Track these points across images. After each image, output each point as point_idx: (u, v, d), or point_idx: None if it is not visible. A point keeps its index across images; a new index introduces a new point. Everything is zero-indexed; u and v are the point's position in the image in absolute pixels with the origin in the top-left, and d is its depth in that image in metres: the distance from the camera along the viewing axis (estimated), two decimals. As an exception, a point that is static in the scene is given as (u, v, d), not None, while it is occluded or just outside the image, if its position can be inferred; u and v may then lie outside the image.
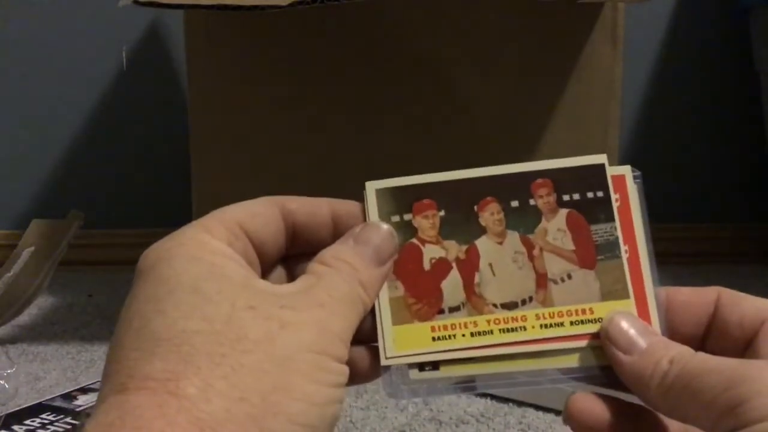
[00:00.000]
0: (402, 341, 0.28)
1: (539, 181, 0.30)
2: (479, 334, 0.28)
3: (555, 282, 0.29)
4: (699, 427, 0.26)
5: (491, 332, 0.28)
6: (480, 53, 0.80)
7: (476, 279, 0.28)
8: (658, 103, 1.20)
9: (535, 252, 0.29)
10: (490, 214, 0.29)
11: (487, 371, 0.28)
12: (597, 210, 0.29)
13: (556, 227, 0.29)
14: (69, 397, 0.61)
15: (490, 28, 0.80)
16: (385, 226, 0.29)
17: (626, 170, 0.30)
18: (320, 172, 0.82)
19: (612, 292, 0.29)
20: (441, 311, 0.28)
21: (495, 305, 0.28)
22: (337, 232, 0.29)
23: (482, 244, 0.29)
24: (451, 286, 0.28)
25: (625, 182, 0.30)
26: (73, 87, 1.13)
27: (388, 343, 0.28)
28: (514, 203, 0.29)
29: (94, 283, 1.04)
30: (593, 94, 0.81)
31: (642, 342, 0.27)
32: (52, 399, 0.61)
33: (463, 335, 0.27)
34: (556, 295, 0.28)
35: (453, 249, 0.28)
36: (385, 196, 0.29)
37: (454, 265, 0.28)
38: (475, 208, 0.29)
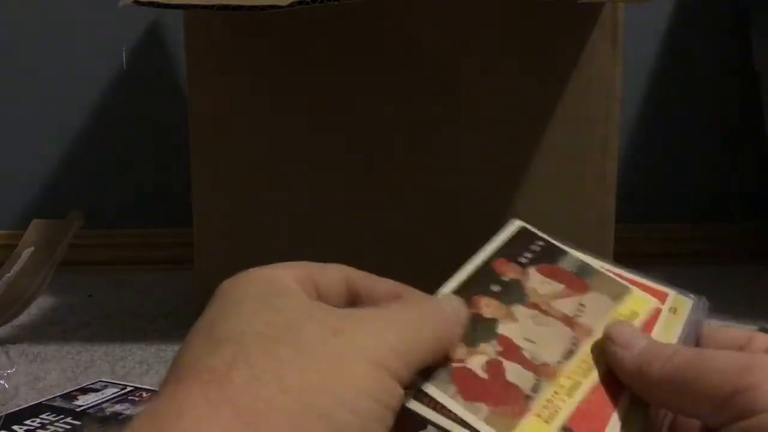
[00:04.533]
0: None
1: (497, 263, 0.33)
2: (573, 388, 0.28)
3: (578, 316, 0.30)
4: (697, 415, 0.26)
5: (579, 382, 0.28)
6: (480, 53, 0.80)
7: (527, 355, 0.29)
8: (658, 103, 1.19)
9: (544, 307, 0.30)
10: (486, 306, 0.30)
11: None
12: (550, 254, 0.33)
13: (539, 282, 0.32)
14: (69, 397, 0.61)
15: (491, 28, 0.80)
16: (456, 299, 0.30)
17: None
18: (320, 172, 0.82)
19: (618, 293, 0.32)
20: (528, 397, 0.27)
21: (559, 362, 0.29)
22: None
23: (504, 329, 0.29)
24: (516, 373, 0.28)
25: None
26: (73, 87, 1.13)
27: None
28: (495, 288, 0.31)
29: (94, 283, 1.04)
30: (593, 94, 0.81)
31: (642, 340, 0.28)
32: (52, 399, 0.61)
33: (563, 399, 0.28)
34: (589, 322, 0.30)
35: (488, 348, 0.29)
36: None
37: (501, 359, 0.28)
38: (471, 309, 0.30)
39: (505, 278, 0.32)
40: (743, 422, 0.23)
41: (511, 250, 0.33)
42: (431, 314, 0.28)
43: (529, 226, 0.35)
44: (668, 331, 0.31)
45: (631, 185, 1.15)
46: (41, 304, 0.92)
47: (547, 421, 0.26)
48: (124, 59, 1.13)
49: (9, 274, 0.82)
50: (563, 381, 0.28)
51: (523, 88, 0.81)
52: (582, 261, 0.33)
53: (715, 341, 0.30)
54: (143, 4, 0.67)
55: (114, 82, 1.14)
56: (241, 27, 0.79)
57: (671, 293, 0.33)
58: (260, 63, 0.80)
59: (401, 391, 0.25)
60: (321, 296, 0.29)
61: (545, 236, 0.34)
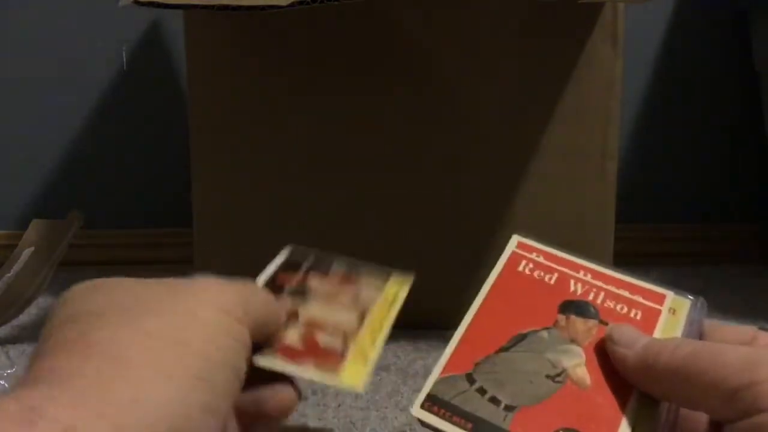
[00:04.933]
0: None
1: (279, 277, 0.41)
2: (374, 339, 0.36)
3: (356, 298, 0.38)
4: (704, 407, 0.26)
5: (377, 336, 0.37)
6: (480, 53, 0.80)
7: (329, 327, 0.36)
8: (658, 103, 1.19)
9: (329, 297, 0.39)
10: (285, 303, 0.39)
11: None
12: (321, 262, 0.42)
13: (318, 282, 0.40)
14: (69, 397, 0.61)
15: (490, 28, 0.80)
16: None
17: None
18: (320, 172, 0.82)
19: (382, 278, 0.42)
20: (341, 353, 0.35)
21: (356, 326, 0.36)
22: None
23: (305, 315, 0.37)
24: (325, 340, 0.35)
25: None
26: (73, 87, 1.13)
27: None
28: (288, 291, 0.40)
29: (94, 283, 1.04)
30: (593, 94, 0.81)
31: (643, 338, 0.29)
32: (52, 399, 0.61)
33: (369, 347, 0.35)
34: (366, 300, 0.39)
35: (299, 329, 0.36)
36: None
37: (311, 332, 0.36)
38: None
39: (292, 286, 0.37)
40: (751, 419, 0.23)
41: (289, 265, 0.41)
42: (260, 290, 0.35)
43: (300, 247, 0.41)
44: (669, 332, 0.31)
45: (631, 185, 1.15)
46: (41, 304, 0.92)
47: (363, 364, 0.32)
48: (124, 59, 1.13)
49: (9, 274, 0.82)
50: (364, 337, 0.34)
51: (523, 88, 0.81)
52: (349, 261, 0.40)
53: (719, 338, 0.30)
54: (143, 4, 0.67)
55: (114, 82, 1.14)
56: (241, 27, 0.79)
57: (669, 295, 0.33)
58: (260, 63, 0.80)
59: (246, 330, 0.30)
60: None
61: (315, 250, 0.41)
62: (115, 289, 0.30)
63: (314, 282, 0.38)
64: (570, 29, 0.80)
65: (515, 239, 0.35)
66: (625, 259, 1.03)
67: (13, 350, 0.77)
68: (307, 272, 0.39)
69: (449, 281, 0.77)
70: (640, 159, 1.19)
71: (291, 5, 0.67)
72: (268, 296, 0.35)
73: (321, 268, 0.39)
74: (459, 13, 0.79)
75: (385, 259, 0.83)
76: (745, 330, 0.29)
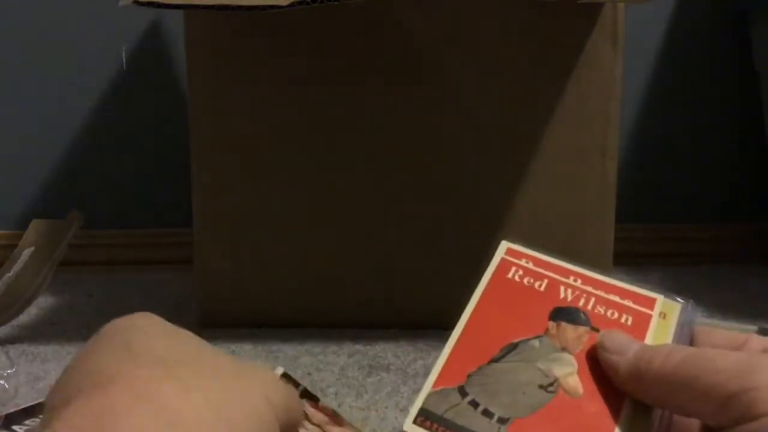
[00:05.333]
0: None
1: None
2: None
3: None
4: (697, 414, 0.26)
5: None
6: (480, 53, 0.80)
7: None
8: (658, 103, 1.19)
9: (325, 427, 0.38)
10: None
11: None
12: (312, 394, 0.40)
13: (312, 412, 0.38)
14: (69, 397, 0.61)
15: (490, 28, 0.80)
16: None
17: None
18: (320, 172, 0.82)
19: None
20: None
21: None
22: None
23: None
24: None
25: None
26: (73, 87, 1.13)
27: None
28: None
29: (94, 283, 1.04)
30: (593, 94, 0.81)
31: (634, 344, 0.29)
32: (52, 399, 0.61)
33: None
34: None
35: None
36: None
37: None
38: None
39: None
40: (745, 425, 0.23)
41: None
42: (296, 395, 0.34)
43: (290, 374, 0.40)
44: (660, 336, 0.31)
45: (631, 185, 1.15)
46: (41, 304, 0.92)
47: None
48: (124, 59, 1.13)
49: (9, 274, 0.82)
50: None
51: (523, 88, 0.81)
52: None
53: (711, 342, 0.30)
54: (143, 4, 0.67)
55: (114, 82, 1.14)
56: (241, 27, 0.79)
57: (659, 298, 0.33)
58: (260, 63, 0.80)
59: (278, 429, 0.28)
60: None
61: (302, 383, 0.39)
62: (158, 340, 0.28)
63: (310, 412, 0.37)
64: (570, 29, 0.80)
65: (504, 245, 0.35)
66: (625, 259, 1.03)
67: (13, 350, 0.77)
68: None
69: (449, 281, 0.77)
70: (640, 159, 1.19)
71: (291, 5, 0.66)
72: (302, 403, 0.34)
73: (314, 397, 0.37)
74: (459, 13, 0.79)
75: (385, 256, 0.83)
76: (736, 333, 0.29)
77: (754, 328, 0.53)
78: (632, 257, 1.09)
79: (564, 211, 0.83)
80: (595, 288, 0.33)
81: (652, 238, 1.19)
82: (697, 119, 1.20)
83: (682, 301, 0.33)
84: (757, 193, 1.21)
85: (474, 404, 0.28)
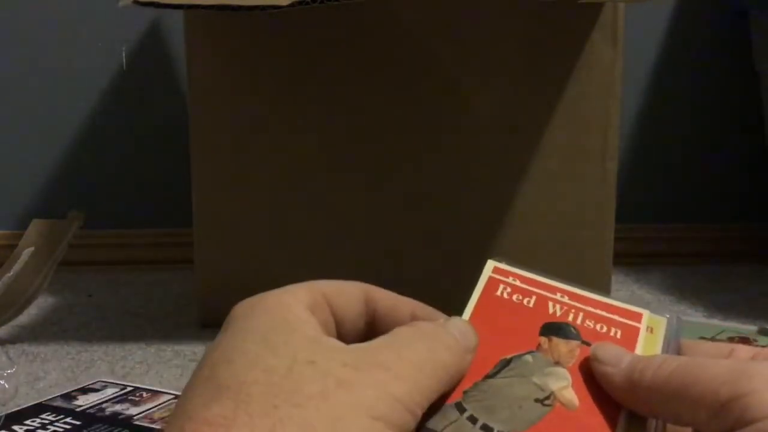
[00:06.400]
0: None
1: None
2: None
3: None
4: (692, 422, 0.26)
5: None
6: (480, 53, 0.80)
7: None
8: (658, 103, 1.19)
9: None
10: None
11: None
12: None
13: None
14: (69, 397, 0.61)
15: (491, 28, 0.80)
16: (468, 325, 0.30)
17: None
18: (320, 172, 0.82)
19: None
20: None
21: None
22: None
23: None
24: None
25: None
26: (73, 87, 1.13)
27: None
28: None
29: (94, 283, 1.04)
30: (593, 94, 0.81)
31: (627, 355, 0.29)
32: (52, 399, 0.61)
33: None
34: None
35: None
36: None
37: None
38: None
39: None
40: (741, 431, 0.23)
41: None
42: (441, 347, 0.28)
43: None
44: (649, 349, 0.31)
45: (631, 185, 1.15)
46: (41, 304, 0.92)
47: None
48: (124, 59, 1.13)
49: (9, 274, 0.82)
50: None
51: (523, 88, 0.81)
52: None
53: (699, 353, 0.30)
54: (143, 4, 0.67)
55: (114, 82, 1.14)
56: (241, 27, 0.79)
57: (645, 313, 0.33)
58: (260, 63, 0.80)
59: None
60: (338, 320, 0.29)
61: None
62: (276, 340, 0.26)
63: None
64: (570, 29, 0.80)
65: (491, 264, 0.35)
66: (625, 259, 1.03)
67: (13, 350, 0.77)
68: None
69: (449, 281, 0.77)
70: (640, 159, 1.19)
71: (291, 5, 0.66)
72: (459, 344, 0.30)
73: None
74: (459, 13, 0.79)
75: (386, 257, 0.83)
76: (722, 345, 0.30)
77: (754, 328, 0.53)
78: (632, 257, 1.09)
79: (564, 211, 0.83)
80: (583, 303, 0.33)
81: (652, 238, 1.19)
82: (696, 119, 1.20)
83: (667, 315, 0.33)
84: (757, 193, 1.21)
85: (472, 420, 0.29)
